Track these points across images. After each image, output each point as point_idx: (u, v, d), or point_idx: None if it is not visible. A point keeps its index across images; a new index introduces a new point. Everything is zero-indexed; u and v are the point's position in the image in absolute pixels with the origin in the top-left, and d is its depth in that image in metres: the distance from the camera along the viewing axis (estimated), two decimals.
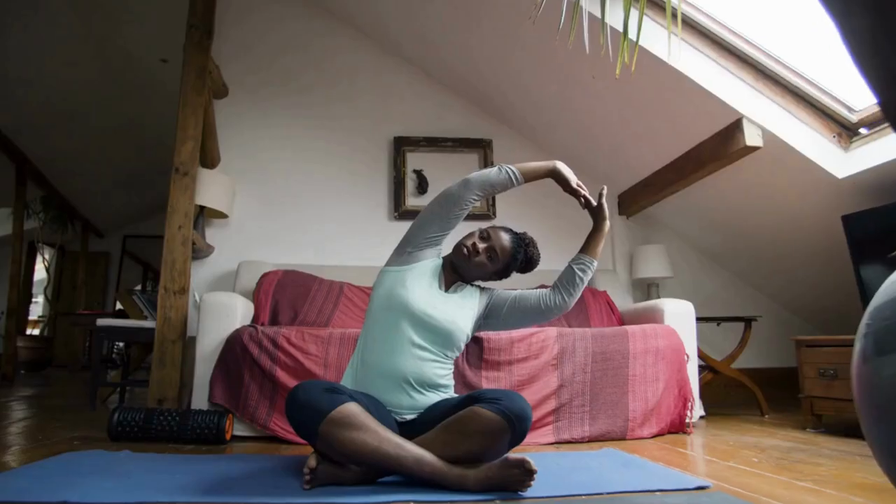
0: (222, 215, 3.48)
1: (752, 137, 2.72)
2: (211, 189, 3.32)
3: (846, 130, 2.78)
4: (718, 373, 3.24)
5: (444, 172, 3.79)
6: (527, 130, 3.98)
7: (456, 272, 1.91)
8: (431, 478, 1.49)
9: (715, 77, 2.73)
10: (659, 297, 3.70)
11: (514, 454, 1.49)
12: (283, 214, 3.70)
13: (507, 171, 1.82)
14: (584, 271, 1.92)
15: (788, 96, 2.76)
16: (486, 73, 3.70)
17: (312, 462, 1.49)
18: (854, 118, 2.72)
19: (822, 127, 2.77)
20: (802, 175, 2.85)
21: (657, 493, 1.50)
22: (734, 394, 3.59)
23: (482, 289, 1.98)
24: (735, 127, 2.78)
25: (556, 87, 3.43)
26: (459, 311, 1.85)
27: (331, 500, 1.41)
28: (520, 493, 1.47)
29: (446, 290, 1.89)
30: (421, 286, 1.81)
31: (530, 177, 1.84)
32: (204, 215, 3.40)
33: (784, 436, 2.50)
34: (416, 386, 1.76)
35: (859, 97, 2.71)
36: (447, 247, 1.94)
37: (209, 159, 3.52)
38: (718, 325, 3.45)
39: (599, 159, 3.86)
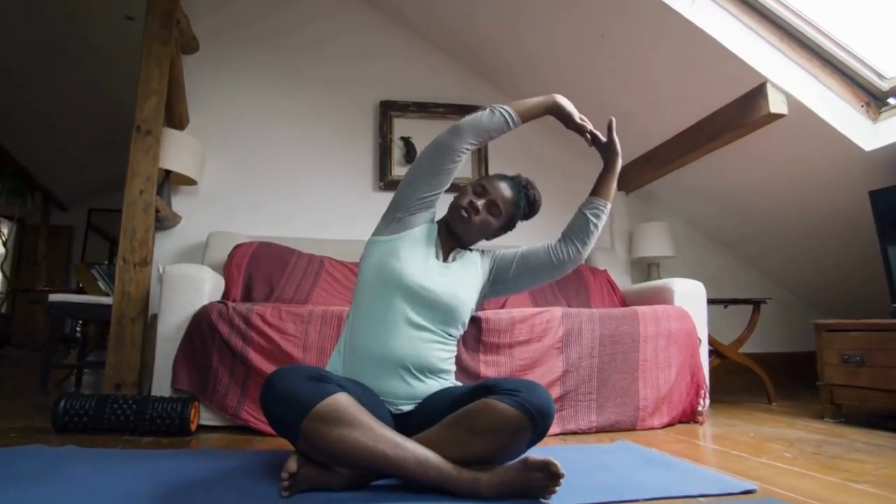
0: (191, 182, 3.16)
1: (776, 104, 2.49)
2: (178, 152, 3.00)
3: (875, 100, 2.57)
4: (725, 357, 3.06)
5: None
6: (522, 96, 3.67)
7: (454, 237, 1.67)
8: (437, 482, 1.24)
9: (737, 36, 2.49)
10: (659, 277, 3.49)
11: (534, 455, 1.25)
12: (258, 182, 3.39)
13: (501, 112, 1.57)
14: (597, 216, 1.69)
15: (815, 60, 2.54)
16: (485, 35, 3.42)
17: (293, 465, 1.23)
18: (885, 86, 2.51)
19: (850, 95, 2.56)
20: (827, 147, 2.63)
21: (700, 500, 1.28)
22: (737, 380, 3.42)
23: (483, 252, 1.74)
24: (758, 92, 2.54)
25: (559, 50, 3.15)
26: (461, 281, 1.61)
27: None
28: (542, 500, 1.23)
29: (444, 259, 1.65)
30: (416, 256, 1.57)
31: (528, 116, 1.61)
32: (170, 181, 3.08)
33: (804, 426, 2.32)
34: (414, 371, 1.51)
35: (892, 63, 2.50)
36: (440, 211, 1.69)
37: (176, 119, 3.19)
38: (726, 307, 3.26)
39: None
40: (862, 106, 2.56)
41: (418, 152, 3.46)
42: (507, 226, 1.71)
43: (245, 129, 3.44)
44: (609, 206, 1.71)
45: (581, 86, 3.30)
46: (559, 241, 1.70)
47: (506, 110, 1.57)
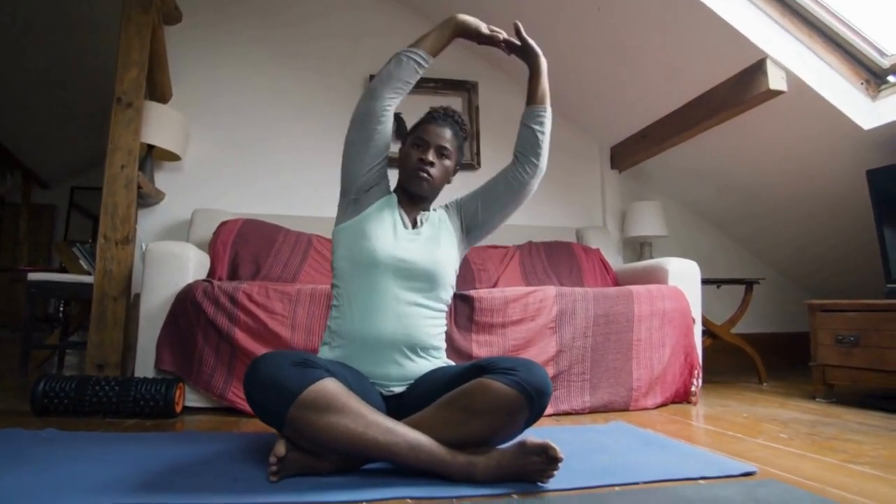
0: (174, 157, 3.06)
1: (775, 81, 2.44)
2: (161, 126, 2.90)
3: (875, 78, 2.52)
4: (717, 337, 3.04)
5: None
6: (515, 73, 3.62)
7: (416, 201, 1.61)
8: (430, 467, 1.20)
9: (738, 10, 2.42)
10: (652, 256, 3.46)
11: (533, 438, 1.21)
12: (244, 159, 3.29)
13: (408, 56, 1.50)
14: (541, 123, 1.60)
15: (816, 36, 2.49)
16: (479, 9, 3.31)
17: (281, 449, 1.18)
18: (886, 63, 2.47)
19: (850, 72, 2.51)
20: (825, 126, 2.59)
21: (700, 482, 1.25)
22: (726, 359, 3.41)
23: (447, 207, 1.68)
24: (757, 69, 2.48)
25: (556, 23, 3.06)
26: (435, 244, 1.56)
27: (305, 497, 1.10)
28: (540, 484, 1.19)
29: (413, 226, 1.59)
30: (384, 230, 1.51)
31: (436, 48, 1.53)
32: (152, 157, 2.98)
33: (797, 407, 2.31)
34: (405, 351, 1.47)
35: (893, 39, 2.45)
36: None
37: (159, 92, 3.08)
38: (719, 287, 3.24)
39: (594, 107, 3.55)
40: (861, 84, 2.51)
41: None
42: (461, 159, 1.66)
43: (231, 104, 3.34)
44: (548, 109, 1.61)
45: (576, 60, 3.23)
46: (513, 162, 1.62)
47: (412, 51, 1.50)
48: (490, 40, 1.56)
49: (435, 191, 1.60)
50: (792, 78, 2.46)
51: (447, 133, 1.58)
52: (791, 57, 2.45)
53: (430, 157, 1.55)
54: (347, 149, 1.55)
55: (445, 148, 1.57)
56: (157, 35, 2.81)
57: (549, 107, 1.61)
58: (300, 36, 3.48)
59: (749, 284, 3.15)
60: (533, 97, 1.61)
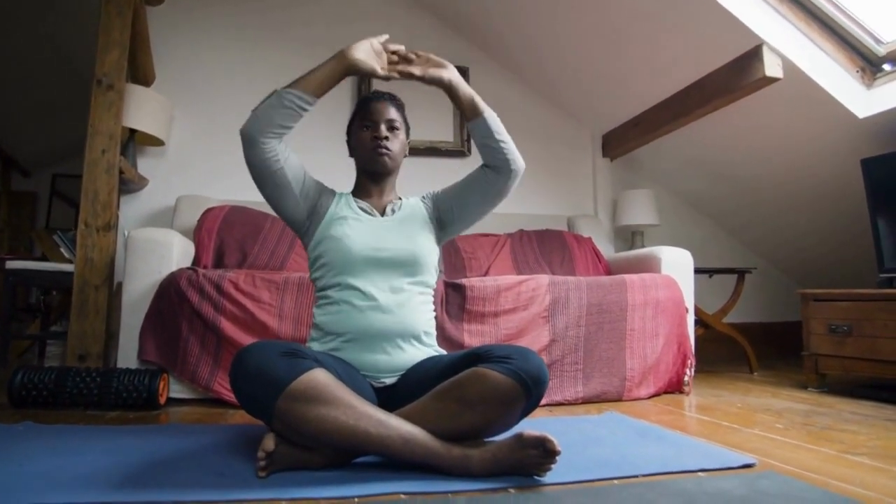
0: (158, 142, 2.98)
1: (772, 67, 2.40)
2: (143, 110, 2.81)
3: (870, 65, 2.50)
4: (709, 327, 3.03)
5: (414, 104, 3.26)
6: (507, 59, 3.56)
7: (377, 180, 1.57)
8: (424, 461, 1.16)
9: None
10: (643, 245, 3.44)
11: (530, 430, 1.17)
12: (230, 144, 3.11)
13: (288, 97, 1.37)
14: (489, 134, 1.46)
15: (813, 23, 2.45)
16: None
17: (269, 443, 1.14)
18: (882, 51, 2.44)
19: (846, 60, 2.48)
20: (819, 114, 2.57)
21: (700, 475, 1.22)
22: (716, 349, 3.41)
23: (423, 198, 1.64)
24: (753, 55, 2.45)
25: (547, 9, 3.01)
26: (411, 229, 1.52)
27: (294, 493, 1.06)
28: (537, 477, 1.16)
29: (382, 214, 1.55)
30: (355, 228, 1.47)
31: (324, 87, 1.40)
32: (135, 141, 2.89)
33: (789, 396, 2.30)
34: (395, 339, 1.42)
35: (889, 27, 2.42)
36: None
37: (141, 75, 2.98)
38: (711, 276, 3.23)
39: (586, 95, 3.50)
40: (857, 71, 2.49)
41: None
42: (409, 131, 1.62)
43: (216, 88, 3.25)
44: (487, 113, 1.45)
45: (569, 46, 3.18)
46: (485, 169, 1.53)
47: (294, 92, 1.37)
48: (388, 78, 1.42)
49: (396, 165, 1.57)
50: (787, 65, 2.43)
51: (390, 108, 1.55)
52: (787, 44, 2.42)
53: (384, 132, 1.51)
54: (271, 202, 1.49)
55: (395, 121, 1.54)
56: (139, 15, 2.71)
57: (487, 109, 1.46)
58: (289, 20, 3.40)
59: (741, 274, 3.14)
60: (464, 114, 1.47)
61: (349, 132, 1.61)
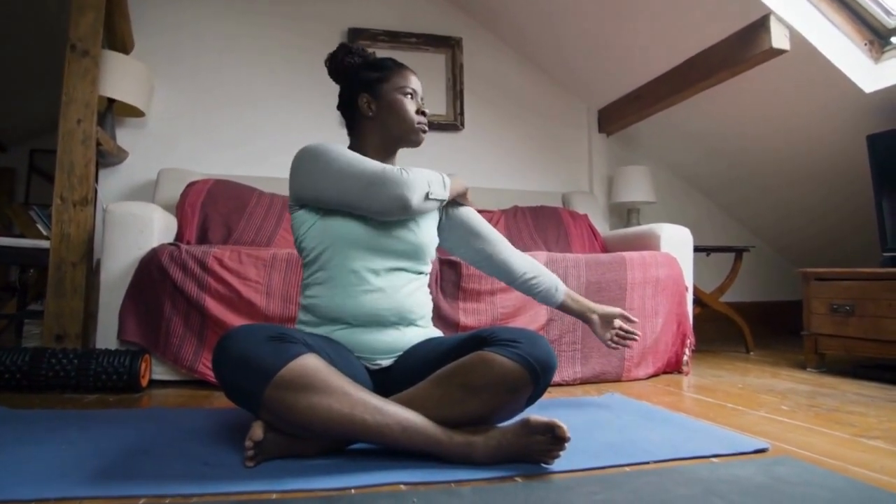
0: (138, 113, 2.84)
1: (778, 39, 2.32)
2: (122, 78, 2.67)
3: (879, 38, 2.42)
4: (706, 306, 2.98)
5: None
6: (501, 29, 3.44)
7: (393, 152, 1.47)
8: (425, 450, 1.09)
9: None
10: (639, 223, 3.37)
11: (536, 415, 1.10)
12: (214, 115, 3.08)
13: (432, 199, 1.37)
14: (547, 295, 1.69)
15: None
16: None
17: (258, 432, 1.05)
18: (892, 23, 2.37)
19: (854, 32, 2.40)
20: (825, 87, 2.49)
21: (713, 460, 1.17)
22: (712, 328, 3.38)
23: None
24: (760, 25, 2.36)
25: None
26: (421, 219, 1.43)
27: (286, 485, 0.98)
28: (544, 465, 1.09)
29: None
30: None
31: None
32: (113, 112, 2.76)
33: (789, 377, 2.26)
34: (391, 319, 1.33)
35: None
36: None
37: (119, 41, 2.83)
38: (708, 255, 3.17)
39: (583, 68, 3.39)
40: (865, 45, 2.41)
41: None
42: None
43: (199, 56, 3.10)
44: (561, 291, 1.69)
45: (566, 17, 3.06)
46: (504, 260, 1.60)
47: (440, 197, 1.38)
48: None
49: (420, 136, 1.48)
50: (795, 36, 2.34)
51: (419, 83, 1.46)
52: (795, 14, 2.33)
53: (426, 110, 1.44)
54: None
55: (421, 97, 1.47)
56: None
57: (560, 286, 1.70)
58: None
59: (739, 252, 3.09)
60: (567, 306, 1.70)
61: (370, 89, 1.41)
